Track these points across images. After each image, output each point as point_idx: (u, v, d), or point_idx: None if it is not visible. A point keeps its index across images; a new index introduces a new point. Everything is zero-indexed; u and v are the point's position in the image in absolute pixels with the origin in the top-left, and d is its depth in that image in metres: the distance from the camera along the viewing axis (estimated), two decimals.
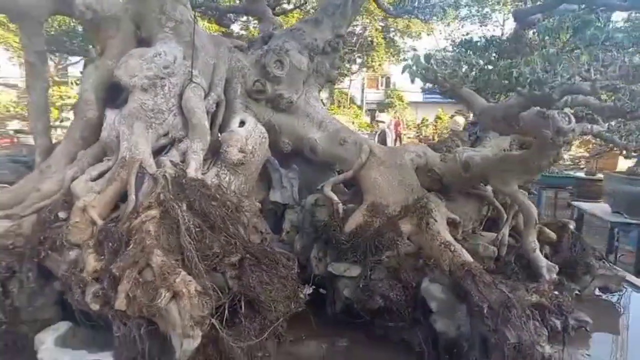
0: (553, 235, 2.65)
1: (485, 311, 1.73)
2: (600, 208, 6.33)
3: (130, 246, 1.80)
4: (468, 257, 1.95)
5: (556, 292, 1.93)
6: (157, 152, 2.16)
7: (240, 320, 1.98)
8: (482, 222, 2.48)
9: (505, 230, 2.21)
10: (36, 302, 1.97)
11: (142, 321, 1.74)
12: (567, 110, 1.82)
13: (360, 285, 2.04)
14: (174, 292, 1.70)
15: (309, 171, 2.55)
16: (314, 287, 2.18)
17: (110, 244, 1.85)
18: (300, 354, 2.02)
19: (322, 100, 2.69)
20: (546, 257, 2.56)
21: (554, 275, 2.00)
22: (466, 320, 1.86)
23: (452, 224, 2.21)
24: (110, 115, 2.13)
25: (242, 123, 2.30)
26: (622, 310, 2.60)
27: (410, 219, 2.12)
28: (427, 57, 1.72)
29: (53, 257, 1.95)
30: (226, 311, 1.96)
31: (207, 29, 4.64)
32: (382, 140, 11.01)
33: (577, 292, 2.59)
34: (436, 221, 2.05)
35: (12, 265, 1.95)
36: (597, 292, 2.69)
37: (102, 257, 1.86)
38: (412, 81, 1.71)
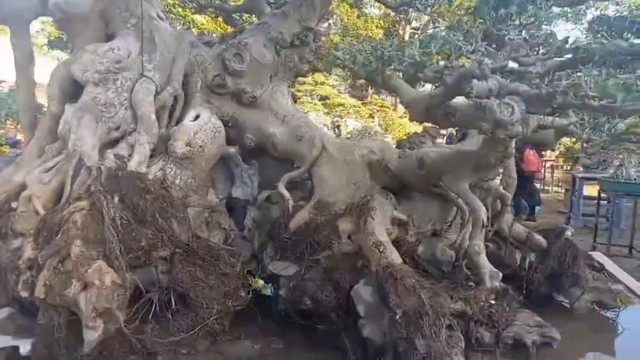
0: (543, 242, 2.39)
1: (397, 317, 1.57)
2: None
3: (58, 236, 1.85)
4: (396, 259, 1.80)
5: (492, 302, 1.72)
6: (110, 145, 2.21)
7: (172, 315, 1.98)
8: (450, 224, 2.27)
9: (466, 233, 2.00)
10: None
11: (63, 310, 1.78)
12: (508, 99, 1.61)
13: (291, 285, 1.96)
14: (85, 282, 1.72)
15: (274, 167, 2.49)
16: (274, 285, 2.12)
17: (45, 234, 1.92)
18: (230, 353, 1.96)
19: (292, 94, 2.61)
20: (530, 265, 2.33)
21: (496, 283, 1.79)
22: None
23: (401, 225, 2.05)
24: (68, 109, 2.21)
25: (197, 117, 2.29)
26: (617, 328, 2.28)
27: (350, 218, 2.00)
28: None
29: (3, 245, 2.06)
30: (156, 305, 1.97)
31: (216, 29, 4.73)
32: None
33: (566, 305, 2.32)
34: (373, 219, 1.91)
35: None
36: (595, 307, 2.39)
37: (39, 246, 1.93)
38: (328, 71, 1.60)
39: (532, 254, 2.38)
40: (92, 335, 1.67)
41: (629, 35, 2.57)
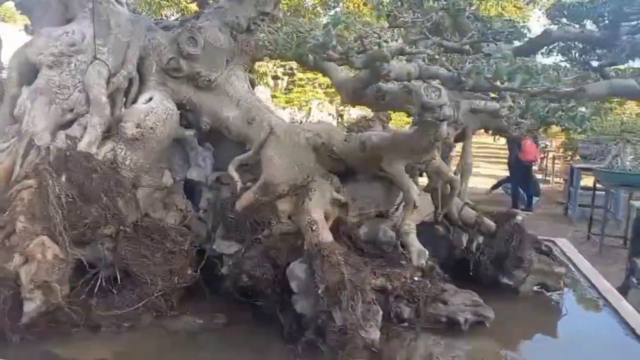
0: (492, 226, 2.43)
1: (319, 292, 1.63)
2: None
3: (6, 213, 1.93)
4: (327, 238, 1.85)
5: (416, 279, 1.77)
6: (65, 126, 2.27)
7: (118, 290, 2.06)
8: (398, 207, 2.32)
9: (407, 222, 2.03)
10: None
11: (8, 283, 1.86)
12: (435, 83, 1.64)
13: (231, 263, 2.02)
14: (27, 256, 1.80)
15: (230, 150, 2.54)
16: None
17: None
18: (172, 327, 2.04)
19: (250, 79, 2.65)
20: (477, 247, 2.37)
21: (423, 261, 1.83)
22: None
23: (341, 206, 2.10)
24: (25, 91, 2.28)
25: (150, 99, 2.34)
26: (560, 310, 2.32)
27: (290, 199, 2.05)
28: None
29: None
30: (101, 281, 2.06)
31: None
32: None
33: (511, 287, 2.37)
34: (310, 200, 1.96)
35: None
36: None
37: None
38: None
39: (480, 237, 2.42)
40: (30, 306, 1.75)
41: (586, 22, 2.57)
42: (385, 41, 1.37)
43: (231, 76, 2.53)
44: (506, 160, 12.38)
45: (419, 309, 1.74)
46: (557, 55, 2.99)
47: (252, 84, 2.73)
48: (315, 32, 1.38)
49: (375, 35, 1.33)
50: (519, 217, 2.49)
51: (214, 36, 2.45)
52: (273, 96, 19.81)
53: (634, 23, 2.34)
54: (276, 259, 1.94)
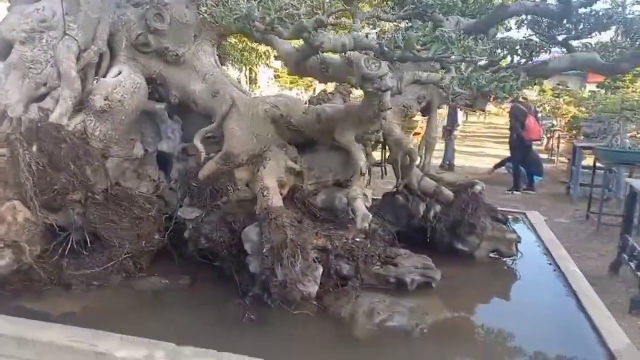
0: (450, 195, 2.53)
1: (264, 251, 1.75)
2: None
3: None
4: (277, 203, 1.96)
5: (357, 239, 1.87)
6: (39, 100, 2.40)
7: (89, 252, 2.20)
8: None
9: (355, 188, 2.13)
10: None
11: None
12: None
13: (191, 227, 2.15)
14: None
15: (198, 122, 2.64)
16: None
17: None
18: (139, 287, 2.19)
19: (216, 54, 2.73)
20: (435, 216, 2.47)
21: (366, 224, 1.93)
22: None
23: (297, 175, 2.21)
24: (0, 67, 2.39)
25: (119, 73, 2.45)
26: (515, 275, 2.43)
27: (248, 167, 2.16)
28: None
29: None
30: (72, 243, 2.20)
31: None
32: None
33: (467, 252, 2.47)
34: (264, 168, 2.07)
35: None
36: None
37: None
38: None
39: (437, 206, 2.52)
40: (0, 263, 1.90)
41: None
42: (306, 13, 1.44)
43: (198, 51, 2.62)
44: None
45: (358, 267, 1.85)
46: (527, 29, 3.04)
47: (220, 60, 2.82)
48: (241, 5, 1.46)
49: (292, 6, 1.41)
50: (478, 187, 2.57)
51: (180, 12, 2.53)
52: (277, 76, 19.76)
53: None
54: (232, 223, 2.06)
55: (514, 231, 2.49)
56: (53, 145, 2.16)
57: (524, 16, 2.78)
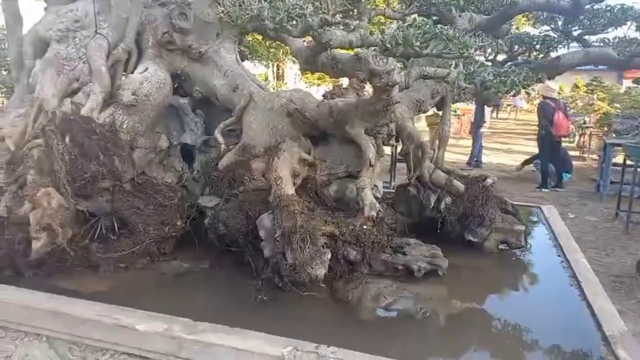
0: (461, 187, 2.59)
1: (276, 236, 1.87)
2: None
3: (20, 167, 2.26)
4: (289, 191, 2.07)
5: (365, 227, 1.96)
6: (72, 95, 2.58)
7: (116, 237, 2.37)
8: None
9: (364, 179, 2.21)
10: None
11: (21, 227, 2.20)
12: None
13: (210, 214, 2.28)
14: (34, 203, 2.11)
15: (220, 116, 2.78)
16: None
17: (12, 166, 2.33)
18: (161, 269, 2.34)
19: (239, 50, 2.86)
20: (446, 206, 2.54)
21: (373, 213, 2.02)
22: None
23: (310, 166, 2.31)
24: (37, 63, 2.59)
25: (145, 69, 2.61)
26: (523, 266, 2.47)
27: (264, 159, 2.28)
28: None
29: None
30: (101, 228, 2.37)
31: None
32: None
33: (476, 244, 2.53)
34: (279, 159, 2.18)
35: None
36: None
37: (6, 178, 2.34)
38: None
39: (448, 198, 2.58)
40: (36, 244, 2.07)
41: None
42: (312, 13, 1.53)
43: (220, 48, 2.75)
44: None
45: (365, 252, 1.94)
46: (542, 25, 3.06)
47: (242, 56, 2.94)
48: (253, 5, 1.56)
49: (299, 7, 1.50)
50: (489, 180, 2.62)
51: (203, 11, 2.67)
52: (304, 73, 19.81)
53: None
54: (248, 211, 2.18)
55: (522, 223, 2.53)
56: (84, 136, 2.32)
57: (540, 13, 2.82)
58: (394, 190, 2.84)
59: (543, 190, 11.18)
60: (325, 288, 1.97)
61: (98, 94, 2.48)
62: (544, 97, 11.52)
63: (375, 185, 2.22)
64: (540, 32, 3.02)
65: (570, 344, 1.71)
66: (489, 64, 2.24)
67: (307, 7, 1.51)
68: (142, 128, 2.56)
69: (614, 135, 10.98)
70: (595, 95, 19.87)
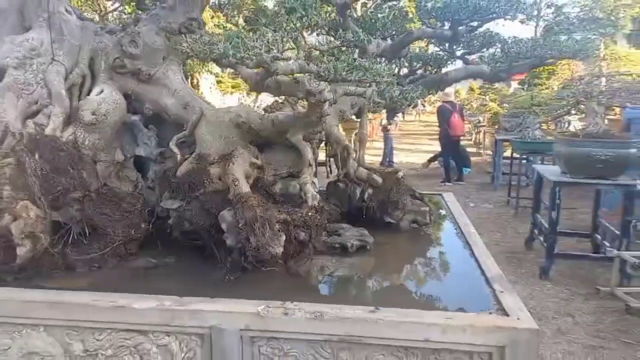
0: (379, 180, 3.18)
1: (239, 225, 2.32)
2: (552, 170, 6.80)
3: None
4: (245, 189, 2.52)
5: (310, 214, 2.48)
6: (32, 116, 2.81)
7: (88, 241, 2.65)
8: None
9: (305, 176, 2.72)
10: None
11: (3, 238, 2.42)
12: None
13: (175, 215, 2.66)
14: (14, 215, 2.36)
15: (170, 130, 3.14)
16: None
17: None
18: (132, 266, 2.66)
19: (183, 72, 3.24)
20: (369, 197, 3.11)
21: (315, 202, 2.54)
22: None
23: (259, 168, 2.79)
24: None
25: (101, 92, 2.91)
26: (430, 240, 3.13)
27: (219, 165, 2.70)
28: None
29: None
30: (74, 234, 2.64)
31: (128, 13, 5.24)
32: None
33: (393, 224, 3.14)
34: (233, 164, 2.62)
35: None
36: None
37: None
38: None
39: (369, 190, 3.17)
40: (22, 250, 2.32)
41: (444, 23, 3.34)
42: (267, 50, 2.01)
43: (167, 71, 3.12)
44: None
45: (311, 234, 2.45)
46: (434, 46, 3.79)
47: (185, 76, 3.33)
48: (219, 45, 2.01)
49: (257, 47, 1.98)
50: (400, 174, 3.25)
51: (151, 39, 3.02)
52: (219, 81, 19.96)
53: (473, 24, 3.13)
54: (209, 209, 2.59)
55: (427, 205, 3.19)
56: (52, 153, 2.59)
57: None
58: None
59: (447, 184, 12.44)
60: (282, 264, 2.44)
61: (59, 114, 2.75)
62: (443, 101, 12.85)
63: (314, 182, 2.73)
64: (432, 52, 3.75)
65: (464, 287, 2.36)
66: (394, 76, 2.84)
67: (262, 47, 1.98)
68: (101, 144, 2.86)
69: (502, 132, 12.52)
70: (487, 97, 22.07)
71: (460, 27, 3.04)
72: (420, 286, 2.47)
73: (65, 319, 2.09)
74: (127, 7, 4.79)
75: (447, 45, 3.59)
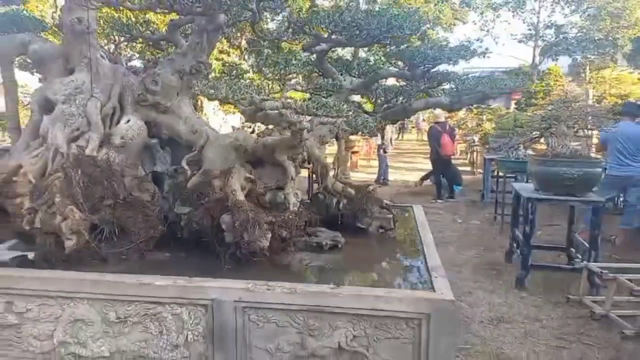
0: (352, 193, 3.89)
1: (235, 225, 3.02)
2: (527, 187, 7.42)
3: (45, 193, 3.20)
4: (241, 198, 3.23)
5: (291, 217, 3.17)
6: (74, 140, 3.55)
7: (117, 239, 3.36)
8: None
9: (288, 188, 3.43)
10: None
11: (51, 235, 3.13)
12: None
13: (186, 218, 3.37)
14: (64, 216, 3.08)
15: (182, 151, 3.87)
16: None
17: (37, 193, 3.25)
18: (150, 259, 3.34)
19: (193, 104, 3.99)
20: (343, 206, 3.81)
21: (295, 208, 3.25)
22: None
23: (252, 182, 3.50)
24: (45, 119, 3.53)
25: (128, 121, 3.66)
26: (395, 241, 3.82)
27: (221, 179, 3.42)
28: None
29: (9, 202, 3.37)
30: (106, 233, 3.35)
31: (145, 52, 6.04)
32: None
33: (364, 229, 3.83)
34: (232, 178, 3.34)
35: None
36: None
37: (34, 200, 3.26)
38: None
39: (344, 200, 3.88)
40: (69, 243, 3.03)
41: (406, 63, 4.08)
42: (256, 92, 2.74)
43: (180, 103, 3.87)
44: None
45: (291, 233, 3.14)
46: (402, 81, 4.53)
47: (195, 107, 4.07)
48: (222, 90, 2.74)
49: (249, 93, 2.70)
50: (370, 187, 3.96)
51: (167, 78, 3.78)
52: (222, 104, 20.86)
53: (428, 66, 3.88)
54: (212, 214, 3.30)
55: (392, 213, 3.88)
56: (90, 169, 3.32)
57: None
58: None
59: (438, 201, 13.07)
60: (268, 256, 3.13)
61: (96, 139, 3.49)
62: (434, 123, 13.59)
63: (296, 193, 3.44)
64: (401, 86, 4.50)
65: (410, 273, 3.04)
66: (361, 108, 3.57)
67: (253, 91, 2.70)
68: (128, 162, 3.59)
69: (492, 152, 13.16)
70: (484, 117, 22.76)
71: (420, 68, 3.78)
72: (376, 273, 3.15)
73: (103, 293, 2.78)
74: (139, 45, 5.56)
75: (413, 81, 4.33)
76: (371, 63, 3.94)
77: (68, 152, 3.35)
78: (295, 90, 3.47)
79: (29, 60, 4.12)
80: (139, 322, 2.79)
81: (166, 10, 3.01)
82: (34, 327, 2.86)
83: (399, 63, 4.05)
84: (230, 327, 2.69)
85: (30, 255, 3.11)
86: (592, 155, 7.80)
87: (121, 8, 3.54)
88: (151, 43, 4.90)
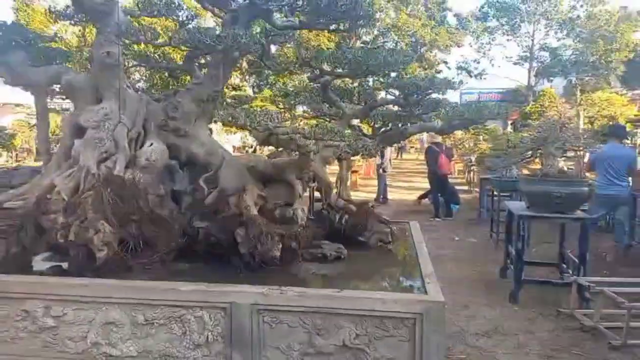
0: (353, 209, 4.27)
1: (250, 236, 3.38)
2: (519, 206, 7.76)
3: (78, 210, 3.56)
4: (254, 213, 3.60)
5: (299, 230, 3.54)
6: (103, 162, 3.93)
7: (141, 250, 3.71)
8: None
9: (296, 204, 3.81)
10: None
11: (83, 247, 3.48)
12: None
13: (204, 232, 3.74)
14: (96, 230, 3.44)
15: (199, 171, 4.25)
16: None
17: (70, 210, 3.62)
18: (171, 268, 3.68)
19: (210, 129, 4.40)
20: (345, 221, 4.18)
21: (303, 222, 3.61)
22: None
23: (263, 198, 3.88)
24: (77, 142, 3.93)
25: (151, 144, 4.05)
26: (393, 254, 4.17)
27: (235, 196, 3.80)
28: None
29: (44, 218, 3.74)
30: (132, 245, 3.71)
31: (161, 80, 6.50)
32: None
33: (364, 242, 4.19)
34: (246, 195, 3.72)
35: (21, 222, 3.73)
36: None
37: (67, 216, 3.62)
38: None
39: (346, 216, 4.25)
40: (100, 254, 3.38)
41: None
42: (271, 120, 3.13)
43: (198, 128, 4.27)
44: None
45: (299, 243, 3.51)
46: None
47: (211, 131, 4.48)
48: (240, 118, 3.14)
49: (264, 121, 3.10)
50: (370, 204, 4.34)
51: (187, 106, 4.19)
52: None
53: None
54: (228, 227, 3.66)
55: (389, 227, 4.25)
56: (118, 188, 3.70)
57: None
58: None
59: (436, 219, 13.42)
60: (279, 265, 3.49)
61: (123, 161, 3.88)
62: (431, 143, 14.03)
63: (303, 208, 3.82)
64: (396, 111, 4.91)
65: (406, 279, 3.39)
66: (362, 131, 3.97)
67: (268, 120, 3.10)
68: (151, 181, 3.97)
69: (488, 171, 13.57)
70: (481, 137, 23.22)
71: (413, 96, 4.21)
72: (375, 280, 3.50)
73: (133, 298, 3.12)
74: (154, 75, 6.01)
75: (408, 108, 4.75)
76: (369, 91, 4.34)
77: (98, 172, 3.72)
78: (303, 117, 3.88)
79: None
80: (164, 324, 3.12)
81: (190, 48, 3.43)
82: (70, 329, 3.19)
83: (395, 92, 4.46)
84: (246, 328, 3.02)
85: (64, 265, 3.46)
86: (581, 175, 8.19)
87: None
88: (167, 73, 5.33)
